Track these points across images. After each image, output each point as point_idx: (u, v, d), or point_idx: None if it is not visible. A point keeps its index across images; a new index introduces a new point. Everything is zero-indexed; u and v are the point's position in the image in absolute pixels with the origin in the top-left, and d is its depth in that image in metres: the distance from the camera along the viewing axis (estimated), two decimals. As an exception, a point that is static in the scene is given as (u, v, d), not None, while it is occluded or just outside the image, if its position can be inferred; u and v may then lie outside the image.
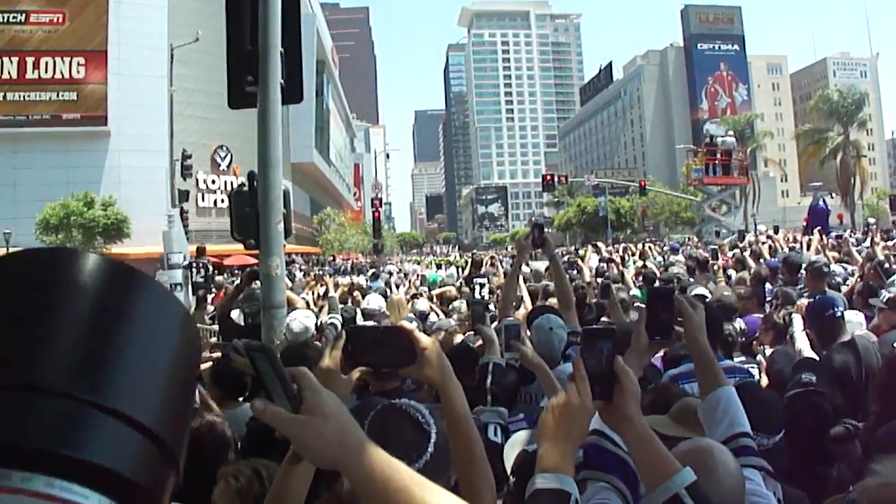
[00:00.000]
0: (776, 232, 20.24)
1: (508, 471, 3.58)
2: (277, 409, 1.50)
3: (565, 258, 19.77)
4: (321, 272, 14.79)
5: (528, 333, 5.45)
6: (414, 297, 14.37)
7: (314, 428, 1.49)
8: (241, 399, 5.89)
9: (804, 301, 7.81)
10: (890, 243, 16.85)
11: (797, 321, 7.07)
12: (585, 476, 2.71)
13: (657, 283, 12.35)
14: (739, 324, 7.82)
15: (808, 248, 15.32)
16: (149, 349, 0.77)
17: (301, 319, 7.70)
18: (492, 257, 19.25)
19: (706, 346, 3.00)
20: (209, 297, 19.80)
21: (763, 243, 16.88)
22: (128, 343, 0.75)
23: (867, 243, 18.19)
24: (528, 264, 15.38)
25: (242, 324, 9.43)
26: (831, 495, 4.24)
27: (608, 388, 2.10)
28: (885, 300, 7.45)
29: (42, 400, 0.69)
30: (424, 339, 2.14)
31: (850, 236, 20.21)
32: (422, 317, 10.79)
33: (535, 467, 2.05)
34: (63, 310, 0.73)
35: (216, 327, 15.96)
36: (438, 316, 11.45)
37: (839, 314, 6.68)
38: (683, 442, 2.61)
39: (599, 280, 13.30)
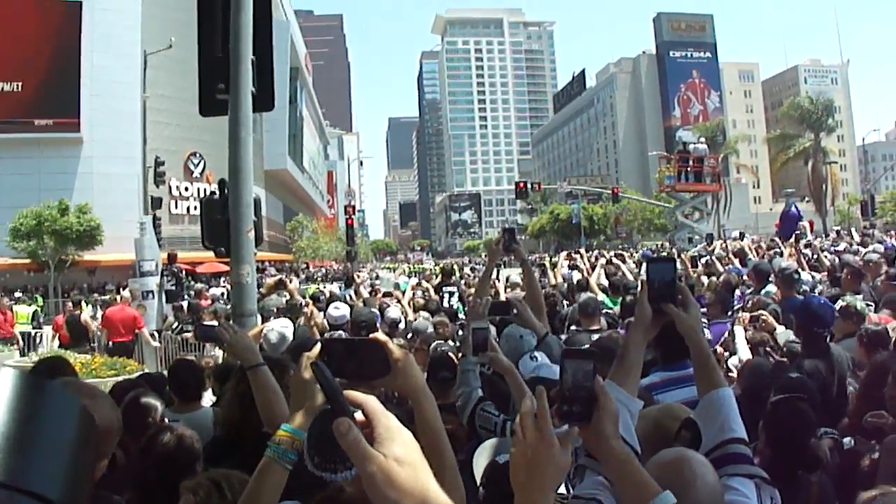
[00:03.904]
0: (742, 238, 20.33)
1: (478, 481, 3.56)
2: (360, 438, 1.42)
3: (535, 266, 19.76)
4: (289, 278, 14.80)
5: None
6: (383, 300, 14.45)
7: (389, 473, 1.40)
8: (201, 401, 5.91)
9: (746, 314, 7.88)
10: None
11: (739, 332, 7.14)
12: (585, 463, 2.66)
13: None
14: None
15: (782, 255, 15.40)
16: (53, 441, 0.95)
17: (278, 329, 7.67)
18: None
19: (704, 344, 2.93)
20: (184, 305, 19.71)
21: (731, 250, 17.04)
22: (36, 439, 0.92)
23: (842, 246, 18.34)
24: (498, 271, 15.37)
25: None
26: (815, 502, 4.27)
27: (588, 409, 2.08)
28: (838, 309, 7.47)
29: None
30: (398, 351, 2.13)
31: (819, 241, 20.35)
32: (393, 325, 10.77)
33: (504, 479, 2.01)
34: None
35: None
36: (407, 320, 11.54)
37: (826, 335, 6.67)
38: (663, 451, 2.56)
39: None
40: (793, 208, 24.01)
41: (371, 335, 2.16)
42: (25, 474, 0.89)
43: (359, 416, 1.48)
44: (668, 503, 2.06)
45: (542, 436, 1.83)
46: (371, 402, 1.50)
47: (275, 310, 10.60)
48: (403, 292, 15.36)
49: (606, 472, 2.20)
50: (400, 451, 1.43)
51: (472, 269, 30.37)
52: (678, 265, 11.81)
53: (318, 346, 2.12)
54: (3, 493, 0.86)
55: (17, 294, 40.13)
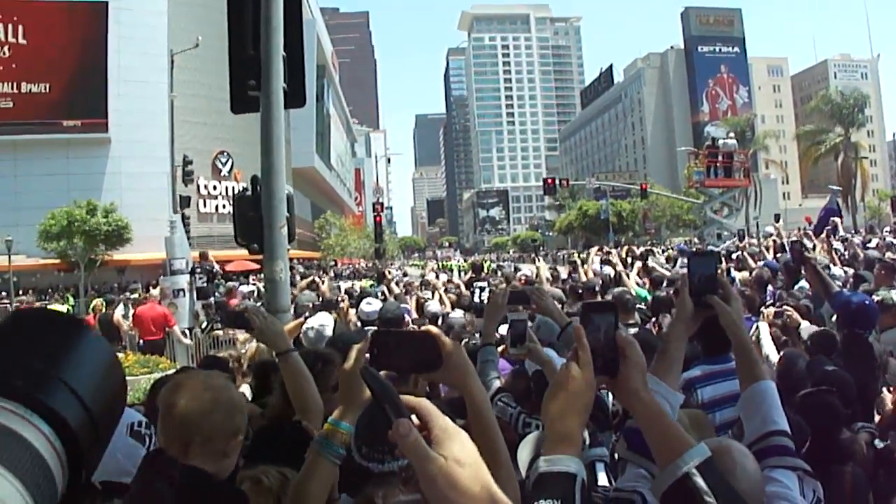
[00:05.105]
0: (777, 220, 20.17)
1: (523, 474, 3.54)
2: (420, 440, 1.41)
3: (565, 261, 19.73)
4: (321, 279, 14.69)
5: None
6: (421, 294, 14.48)
7: (451, 475, 1.39)
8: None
9: (770, 310, 7.80)
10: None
11: (763, 328, 7.08)
12: (626, 457, 2.67)
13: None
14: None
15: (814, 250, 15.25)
16: (93, 361, 1.16)
17: (316, 326, 7.65)
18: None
19: (746, 337, 2.91)
20: (211, 302, 19.69)
21: (766, 247, 16.89)
22: (81, 354, 1.14)
23: (874, 242, 18.17)
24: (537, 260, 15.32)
25: None
26: (850, 494, 4.24)
27: (612, 362, 2.06)
28: (876, 303, 7.40)
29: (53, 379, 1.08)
30: (450, 344, 2.10)
31: (854, 236, 20.17)
32: (434, 319, 10.73)
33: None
34: (51, 343, 1.13)
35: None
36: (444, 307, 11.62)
37: (868, 335, 6.58)
38: (704, 441, 2.55)
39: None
40: (834, 204, 23.81)
41: (423, 328, 2.13)
42: (71, 374, 1.09)
43: (413, 419, 1.47)
44: (703, 454, 2.01)
45: (581, 371, 1.96)
46: (424, 403, 1.48)
47: (310, 305, 10.61)
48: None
49: (638, 424, 2.16)
50: (459, 452, 1.42)
51: (499, 267, 31.52)
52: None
53: (368, 339, 2.09)
54: (56, 382, 1.06)
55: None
